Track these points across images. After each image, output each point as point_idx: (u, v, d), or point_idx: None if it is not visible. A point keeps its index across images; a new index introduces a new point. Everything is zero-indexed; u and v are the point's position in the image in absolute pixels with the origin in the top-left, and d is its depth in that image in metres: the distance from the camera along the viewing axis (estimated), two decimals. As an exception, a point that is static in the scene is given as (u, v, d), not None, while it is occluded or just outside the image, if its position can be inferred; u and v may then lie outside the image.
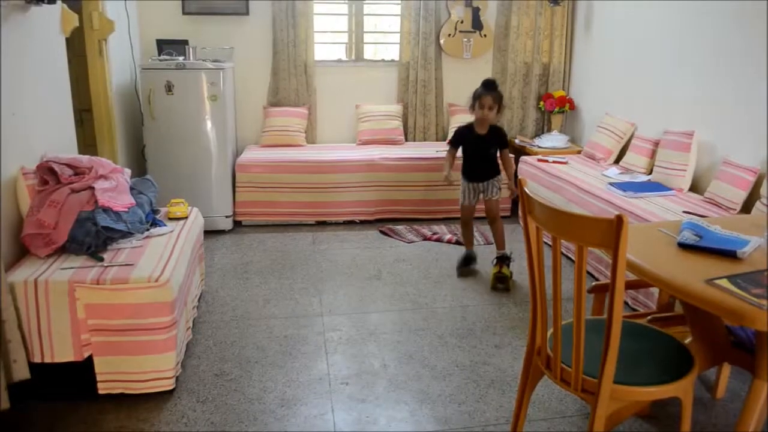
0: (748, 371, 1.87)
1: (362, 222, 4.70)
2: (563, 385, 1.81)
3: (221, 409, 2.38)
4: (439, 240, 4.34)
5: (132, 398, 2.40)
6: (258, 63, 5.00)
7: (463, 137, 3.66)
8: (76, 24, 3.21)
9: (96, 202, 2.61)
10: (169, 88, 4.19)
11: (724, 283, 1.65)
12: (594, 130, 4.74)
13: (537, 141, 5.12)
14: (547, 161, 4.53)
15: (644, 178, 3.95)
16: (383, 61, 5.32)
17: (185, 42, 4.62)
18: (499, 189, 3.68)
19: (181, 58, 4.34)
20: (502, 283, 3.56)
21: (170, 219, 3.08)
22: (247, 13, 4.87)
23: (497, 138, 3.63)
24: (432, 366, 2.72)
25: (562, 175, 4.17)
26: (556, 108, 5.14)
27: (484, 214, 3.78)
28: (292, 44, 4.91)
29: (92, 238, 2.51)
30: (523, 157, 4.75)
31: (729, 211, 3.26)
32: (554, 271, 1.71)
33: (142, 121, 4.29)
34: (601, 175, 4.09)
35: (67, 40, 3.20)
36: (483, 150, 3.62)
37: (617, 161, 4.41)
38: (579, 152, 4.84)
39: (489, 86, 3.49)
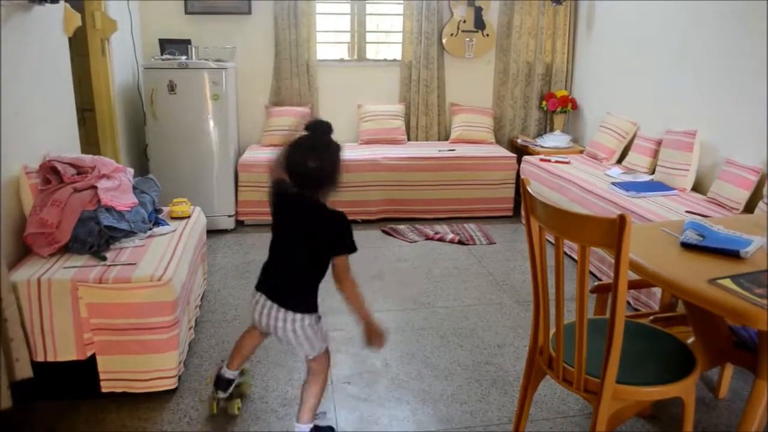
0: (751, 371, 1.87)
1: (364, 221, 4.69)
2: (565, 385, 1.81)
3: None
4: (441, 239, 4.33)
5: (134, 397, 2.41)
6: (260, 62, 5.01)
7: (278, 197, 2.03)
8: (79, 23, 3.21)
9: (99, 201, 2.62)
10: (171, 87, 4.19)
11: (727, 283, 1.65)
12: (596, 129, 4.73)
13: (539, 141, 5.12)
14: (549, 161, 4.52)
15: (647, 177, 3.95)
16: (385, 60, 5.32)
17: (188, 41, 4.63)
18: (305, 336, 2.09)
19: (183, 58, 4.34)
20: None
21: (173, 218, 3.08)
22: (249, 12, 4.87)
23: (320, 224, 1.97)
24: (434, 365, 2.72)
25: (564, 174, 4.17)
26: (559, 108, 5.14)
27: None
28: (295, 44, 4.92)
29: (95, 237, 2.51)
30: (526, 157, 4.74)
31: (732, 210, 3.26)
32: (557, 270, 1.71)
33: (145, 120, 4.29)
34: (603, 175, 4.08)
35: (70, 39, 3.20)
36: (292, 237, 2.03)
37: (620, 161, 4.41)
38: (581, 152, 4.84)
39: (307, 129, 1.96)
